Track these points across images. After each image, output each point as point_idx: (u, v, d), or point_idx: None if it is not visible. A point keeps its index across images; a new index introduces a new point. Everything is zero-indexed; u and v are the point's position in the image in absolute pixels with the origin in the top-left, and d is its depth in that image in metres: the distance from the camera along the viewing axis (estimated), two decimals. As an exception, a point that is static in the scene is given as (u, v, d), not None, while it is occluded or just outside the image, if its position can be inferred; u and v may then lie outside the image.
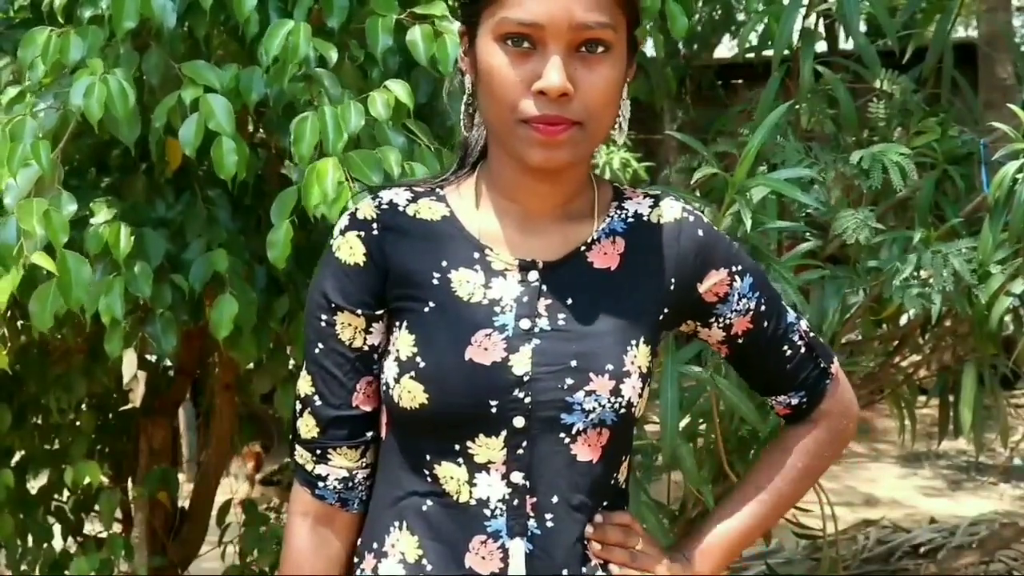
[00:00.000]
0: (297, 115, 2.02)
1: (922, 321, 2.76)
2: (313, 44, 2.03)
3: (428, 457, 1.31)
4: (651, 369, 1.35)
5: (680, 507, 2.84)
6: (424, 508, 1.31)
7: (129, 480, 3.01)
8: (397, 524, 1.33)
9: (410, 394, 1.29)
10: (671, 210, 1.39)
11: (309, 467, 1.38)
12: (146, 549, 2.87)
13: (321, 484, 1.38)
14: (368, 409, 1.36)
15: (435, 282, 1.32)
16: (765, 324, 1.42)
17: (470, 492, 1.29)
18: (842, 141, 2.68)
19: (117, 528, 2.92)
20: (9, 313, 2.07)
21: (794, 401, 1.47)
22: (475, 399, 1.27)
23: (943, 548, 4.19)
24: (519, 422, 1.28)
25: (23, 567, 2.87)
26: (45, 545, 2.90)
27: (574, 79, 1.23)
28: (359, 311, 1.33)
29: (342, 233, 1.35)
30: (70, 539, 3.02)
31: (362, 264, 1.33)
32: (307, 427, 1.38)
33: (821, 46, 3.35)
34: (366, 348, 1.34)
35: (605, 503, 1.36)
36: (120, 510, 2.92)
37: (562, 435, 1.29)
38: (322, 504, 1.39)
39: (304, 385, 1.37)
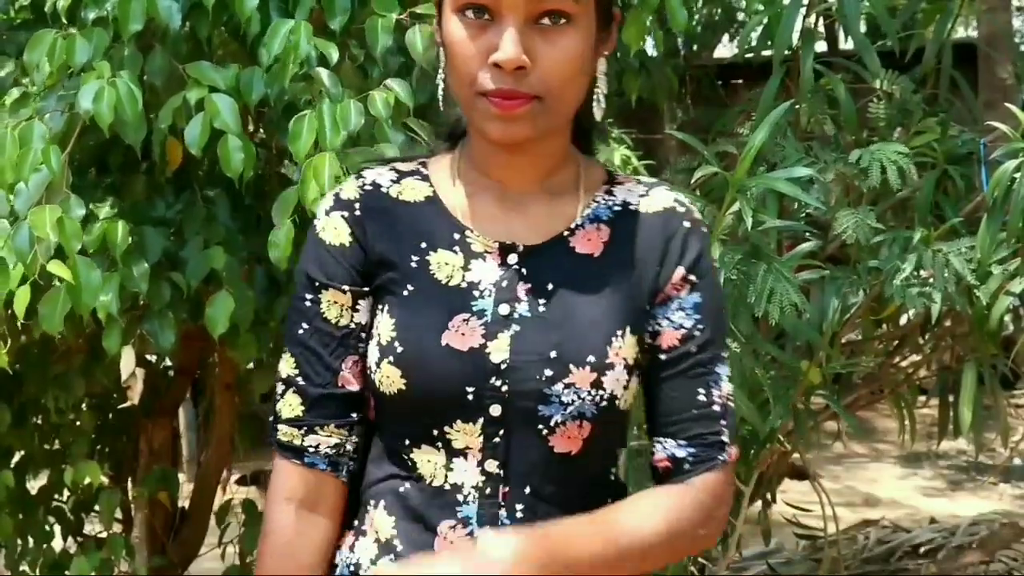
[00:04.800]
0: (297, 114, 2.02)
1: (922, 321, 2.76)
2: (314, 43, 2.03)
3: (407, 442, 1.29)
4: (639, 359, 1.29)
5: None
6: (401, 490, 1.30)
7: (129, 480, 3.01)
8: (374, 503, 1.32)
9: (389, 380, 1.27)
10: (661, 199, 1.33)
11: (297, 441, 1.32)
12: (146, 549, 2.87)
13: (311, 450, 1.32)
14: (354, 389, 1.33)
15: (413, 265, 1.29)
16: (692, 350, 1.30)
17: (446, 476, 1.27)
18: (842, 141, 2.69)
19: (117, 528, 2.92)
20: (9, 312, 2.07)
21: (680, 453, 1.30)
22: (451, 385, 1.25)
23: (943, 548, 4.19)
24: (495, 410, 1.25)
25: (23, 567, 2.87)
26: (45, 545, 2.89)
27: (532, 52, 1.19)
28: (345, 287, 1.31)
29: (327, 213, 1.32)
30: (70, 539, 3.02)
31: (347, 244, 1.31)
32: (290, 407, 1.33)
33: (821, 46, 3.35)
34: (353, 326, 1.31)
35: (596, 497, 1.30)
36: (120, 510, 2.92)
37: (540, 427, 1.25)
38: (311, 476, 1.32)
39: (286, 367, 1.34)
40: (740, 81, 6.37)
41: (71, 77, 2.07)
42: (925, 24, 3.14)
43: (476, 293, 1.28)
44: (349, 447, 1.34)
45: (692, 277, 1.30)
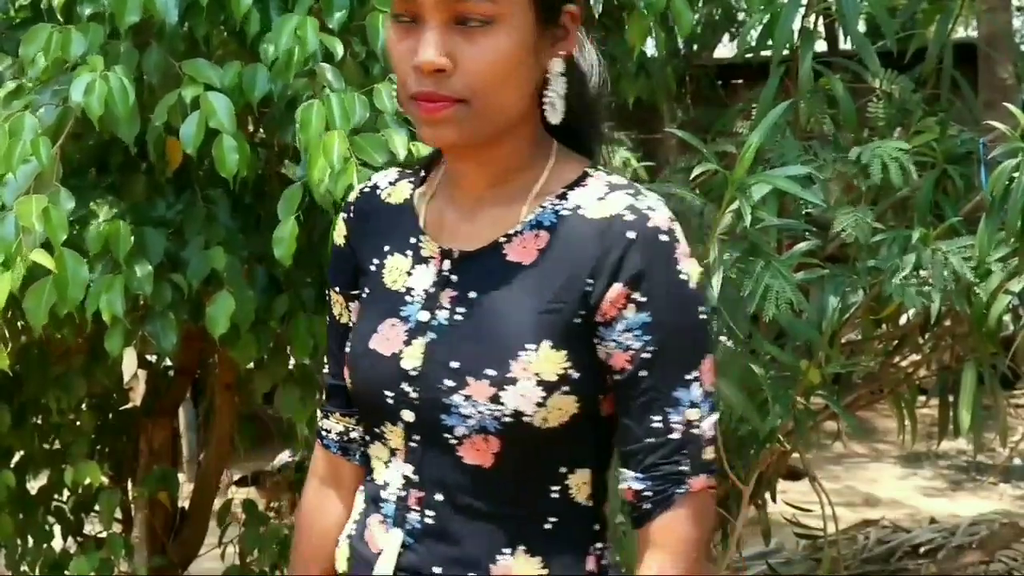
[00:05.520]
0: (305, 103, 2.03)
1: (922, 321, 2.76)
2: (319, 39, 2.04)
3: (367, 437, 1.36)
4: (568, 375, 1.21)
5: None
6: (368, 479, 1.37)
7: (129, 480, 3.01)
8: (361, 488, 1.39)
9: (347, 377, 1.35)
10: (613, 205, 1.22)
11: (319, 423, 1.46)
12: (146, 549, 2.87)
13: (324, 433, 1.44)
14: None
15: (373, 268, 1.33)
16: (643, 375, 1.21)
17: (383, 473, 1.32)
18: (841, 140, 2.69)
19: (117, 528, 2.92)
20: (10, 313, 2.07)
21: (637, 486, 1.23)
22: (374, 389, 1.28)
23: (943, 548, 4.19)
24: (408, 416, 1.26)
25: (23, 567, 2.87)
26: (45, 545, 2.89)
27: (455, 54, 1.16)
28: (337, 289, 1.40)
29: (338, 214, 1.43)
30: (70, 539, 3.02)
31: (342, 245, 1.39)
32: (326, 391, 1.45)
33: (821, 46, 3.35)
34: (350, 324, 1.38)
35: (530, 516, 1.26)
36: (120, 510, 2.92)
37: (446, 435, 1.23)
38: (328, 456, 1.44)
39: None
40: (740, 81, 6.38)
41: (66, 72, 2.07)
42: (925, 24, 3.14)
43: (408, 299, 1.29)
44: (355, 435, 1.41)
45: (636, 295, 1.19)
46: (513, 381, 1.20)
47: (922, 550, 4.22)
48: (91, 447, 2.89)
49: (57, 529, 2.97)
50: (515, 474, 1.25)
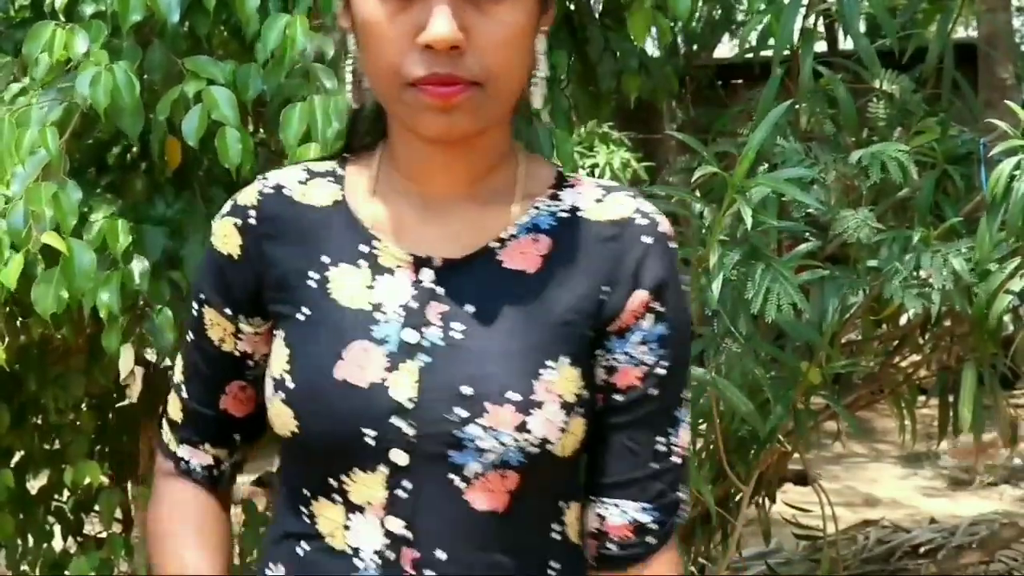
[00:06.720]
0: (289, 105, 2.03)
1: (922, 321, 2.76)
2: (310, 38, 2.04)
3: (306, 492, 1.11)
4: (582, 396, 1.07)
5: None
6: (299, 552, 1.11)
7: (129, 480, 3.00)
8: (274, 564, 1.14)
9: (281, 421, 1.09)
10: (619, 207, 1.10)
11: (172, 446, 1.22)
12: (146, 549, 2.87)
13: (184, 464, 1.22)
14: (239, 415, 1.20)
15: (311, 283, 1.10)
16: (654, 394, 1.10)
17: (344, 537, 1.08)
18: (842, 141, 2.69)
19: (117, 528, 2.92)
20: (8, 310, 2.07)
21: (644, 519, 1.11)
22: (347, 427, 1.05)
23: (943, 548, 4.19)
24: (400, 458, 1.05)
25: (23, 567, 2.87)
26: (45, 545, 2.89)
27: (467, 29, 0.98)
28: (227, 310, 1.15)
29: (221, 218, 1.15)
30: (70, 539, 3.02)
31: (236, 257, 1.14)
32: (174, 408, 1.22)
33: (821, 46, 3.35)
34: (237, 353, 1.17)
35: (533, 564, 1.10)
36: (120, 510, 2.92)
37: (452, 476, 1.04)
38: (192, 485, 1.22)
39: (177, 368, 1.22)
40: (740, 81, 6.38)
41: (69, 71, 2.07)
42: (925, 24, 3.13)
43: (379, 316, 1.08)
44: (227, 466, 1.24)
45: (657, 304, 1.08)
46: (539, 404, 1.04)
47: (922, 550, 4.22)
48: (91, 447, 2.89)
49: (57, 529, 2.97)
50: (533, 516, 1.10)
